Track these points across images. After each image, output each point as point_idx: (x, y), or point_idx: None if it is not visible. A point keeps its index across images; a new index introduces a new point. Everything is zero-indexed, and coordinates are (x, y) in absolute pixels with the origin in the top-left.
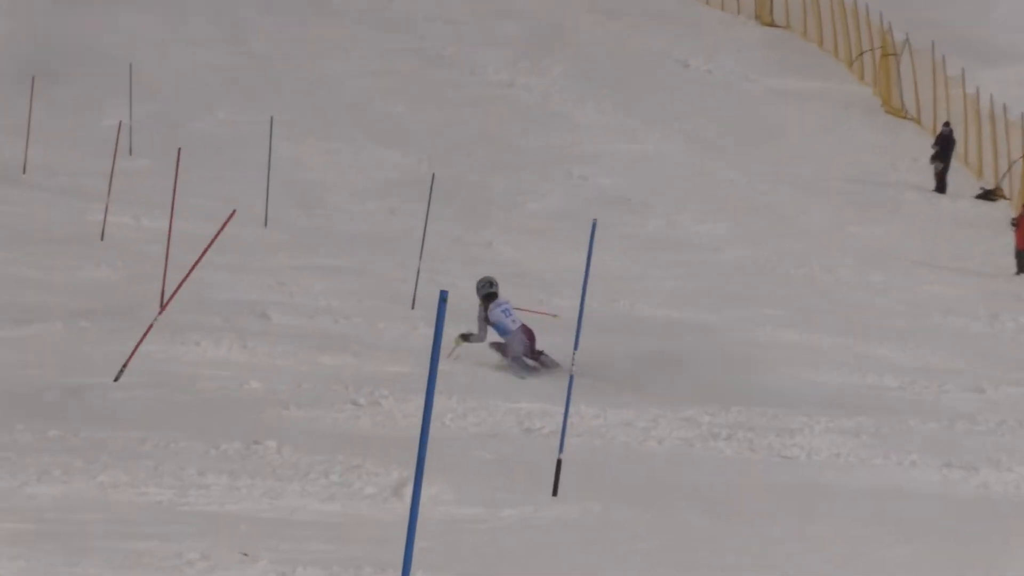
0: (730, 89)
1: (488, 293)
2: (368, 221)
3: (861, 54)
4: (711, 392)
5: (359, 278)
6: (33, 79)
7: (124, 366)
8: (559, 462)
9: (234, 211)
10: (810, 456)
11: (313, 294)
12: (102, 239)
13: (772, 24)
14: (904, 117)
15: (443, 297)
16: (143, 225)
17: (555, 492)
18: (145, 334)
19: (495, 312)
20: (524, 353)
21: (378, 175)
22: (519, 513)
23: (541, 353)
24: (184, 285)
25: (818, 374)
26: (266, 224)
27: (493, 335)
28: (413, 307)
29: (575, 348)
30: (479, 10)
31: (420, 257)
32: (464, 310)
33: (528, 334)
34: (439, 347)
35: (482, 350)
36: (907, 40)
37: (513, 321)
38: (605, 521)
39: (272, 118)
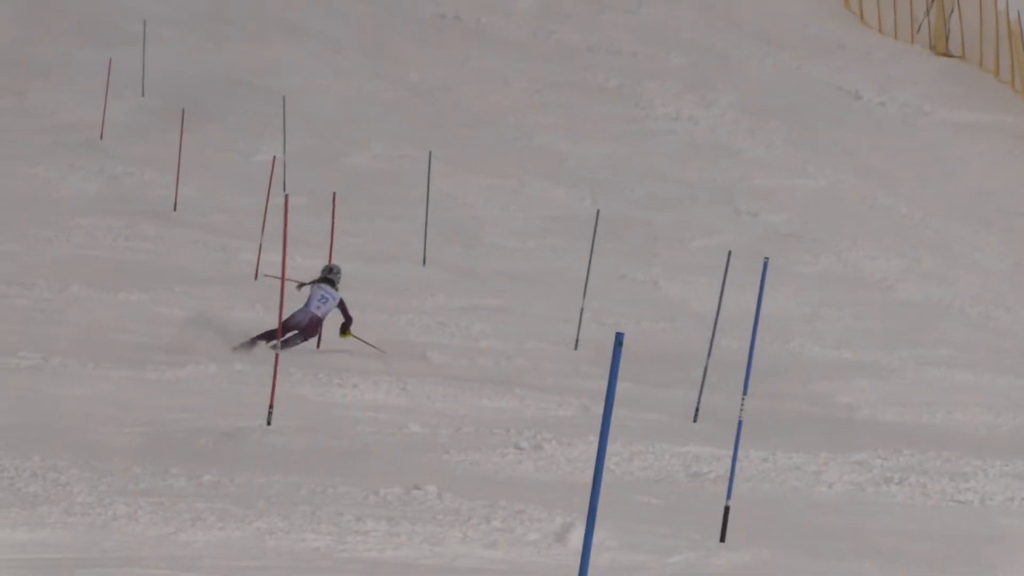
0: (904, 122)
1: (324, 278)
2: (529, 259)
3: None
4: (883, 435)
5: (520, 318)
6: (183, 113)
7: (271, 407)
8: (727, 508)
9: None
10: (984, 501)
11: (473, 335)
12: (256, 279)
13: (947, 54)
14: None
15: (619, 341)
16: (298, 264)
17: (723, 538)
18: (276, 370)
19: (316, 293)
20: (296, 327)
21: (539, 212)
22: (686, 560)
23: (289, 344)
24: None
25: (993, 416)
26: (424, 263)
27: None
28: (576, 348)
29: (744, 392)
30: (644, 40)
31: (583, 296)
32: (634, 352)
33: (315, 324)
34: (614, 389)
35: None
36: None
37: (317, 307)
38: (775, 568)
39: (430, 153)
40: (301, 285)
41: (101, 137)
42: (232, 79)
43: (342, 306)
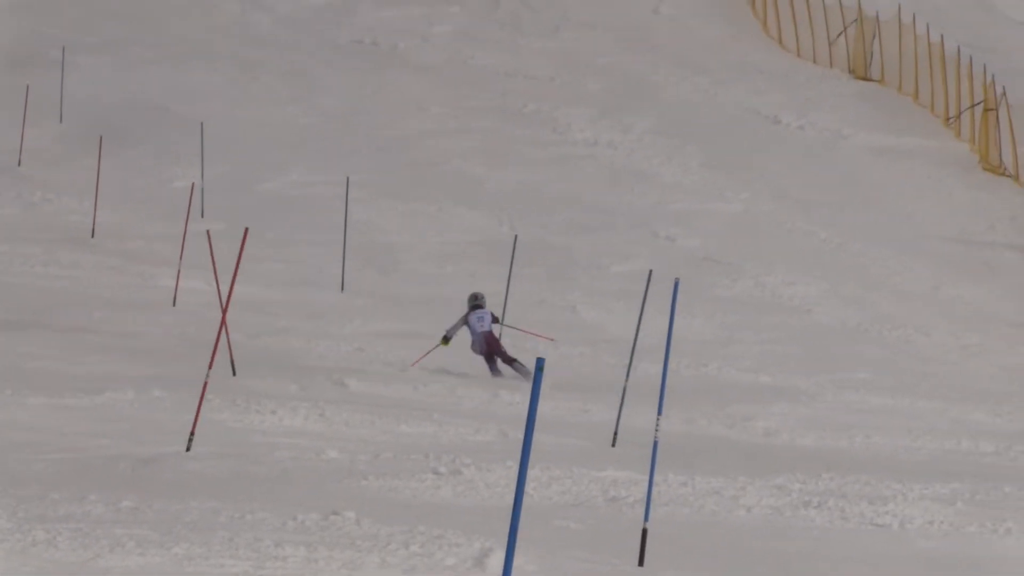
0: (822, 145)
1: (474, 305)
2: (448, 284)
3: (962, 111)
4: (802, 458)
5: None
6: (101, 139)
7: (192, 433)
8: (645, 531)
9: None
10: (903, 524)
11: (391, 360)
12: (174, 305)
13: (866, 78)
14: (1002, 174)
15: (539, 366)
16: (217, 290)
17: (641, 562)
18: (202, 398)
19: (472, 318)
20: (481, 353)
21: (457, 237)
22: None
23: (514, 360)
24: (260, 351)
25: (912, 439)
26: (342, 289)
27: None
28: (493, 374)
29: (659, 413)
30: (562, 65)
31: (502, 322)
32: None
33: (490, 339)
34: (534, 414)
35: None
36: (1004, 93)
37: (480, 326)
38: None
39: (348, 178)
40: (449, 336)
41: (19, 164)
42: (150, 105)
43: (494, 317)
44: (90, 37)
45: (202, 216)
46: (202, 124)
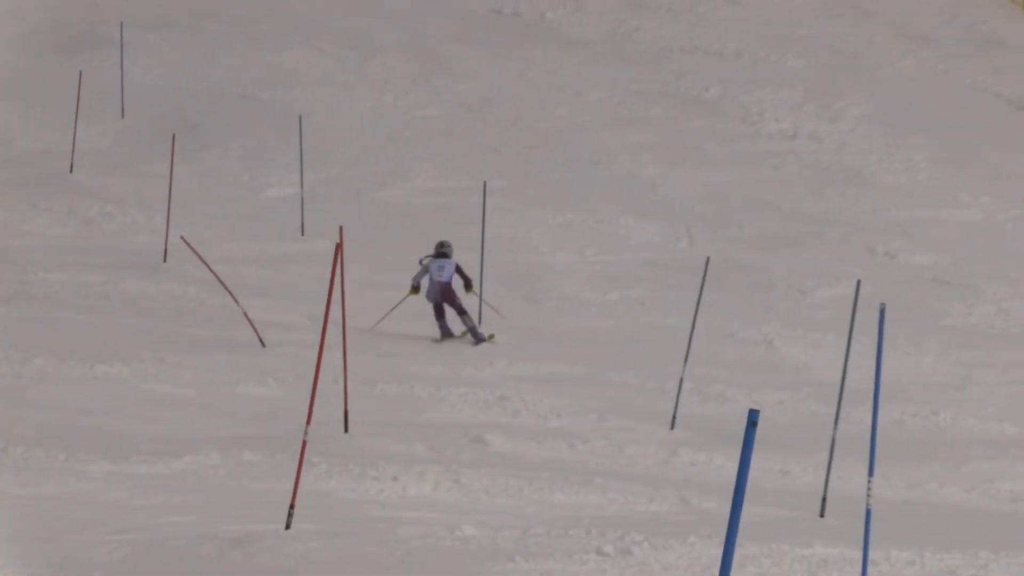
0: None
1: (439, 253)
2: (612, 315)
3: None
4: None
5: (601, 390)
6: (174, 138)
7: (292, 507)
8: None
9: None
10: None
11: (542, 412)
12: (264, 346)
13: None
14: None
15: (752, 420)
16: (316, 325)
17: None
18: (301, 461)
19: (432, 265)
20: (433, 302)
21: (624, 255)
22: None
23: (465, 313)
24: (377, 401)
25: None
26: (480, 322)
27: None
28: (673, 427)
29: (870, 474)
30: (752, 38)
31: (685, 362)
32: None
33: (445, 289)
34: (744, 483)
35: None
36: None
37: (438, 275)
38: None
39: (485, 184)
40: (416, 285)
41: (71, 170)
42: (235, 94)
43: (459, 269)
44: (157, 9)
45: (302, 234)
46: (301, 118)
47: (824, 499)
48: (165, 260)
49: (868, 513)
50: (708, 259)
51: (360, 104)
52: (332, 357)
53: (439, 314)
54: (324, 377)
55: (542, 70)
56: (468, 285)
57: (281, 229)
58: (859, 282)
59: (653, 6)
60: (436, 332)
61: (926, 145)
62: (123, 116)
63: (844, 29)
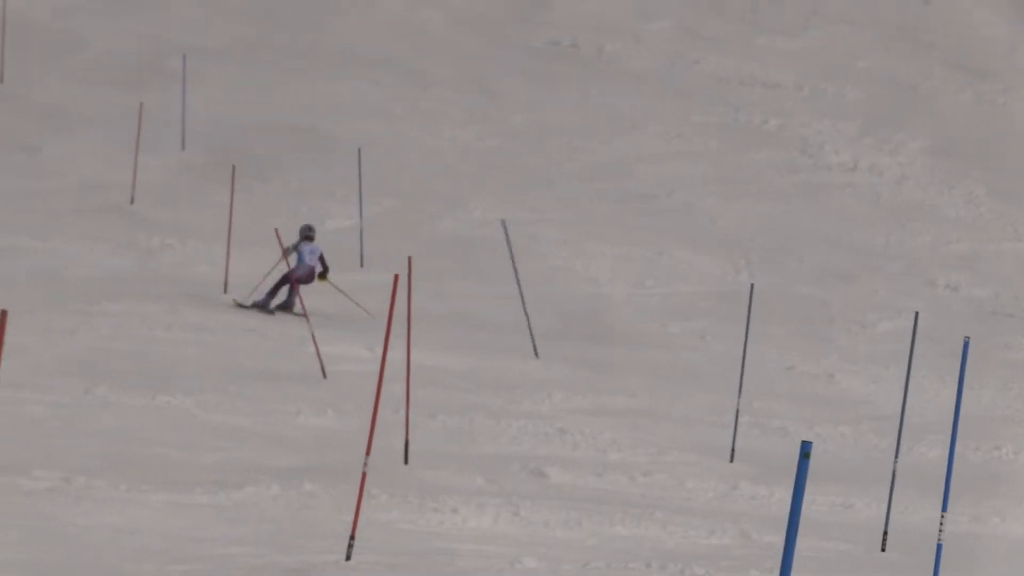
0: None
1: (306, 236)
2: (670, 348)
3: None
4: None
5: (660, 423)
6: (234, 170)
7: (352, 538)
8: None
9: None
10: None
11: (601, 444)
12: (325, 376)
13: None
14: None
15: (805, 451)
16: (376, 355)
17: None
18: (361, 492)
19: (304, 247)
20: (301, 281)
21: (683, 288)
22: None
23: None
24: (437, 433)
25: None
26: (537, 354)
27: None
28: (732, 460)
29: (943, 509)
30: (811, 70)
31: (739, 394)
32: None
33: (310, 275)
34: (798, 513)
35: None
36: None
37: (311, 259)
38: None
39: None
40: (287, 252)
41: (132, 201)
42: (293, 126)
43: (321, 257)
44: (217, 41)
45: (361, 265)
46: (360, 150)
47: (885, 533)
48: (225, 291)
49: (939, 548)
50: (752, 286)
51: (417, 136)
52: (392, 388)
53: (290, 299)
54: (384, 408)
55: (599, 102)
56: (324, 272)
57: (340, 260)
58: (917, 314)
59: (711, 39)
60: (265, 303)
61: (986, 178)
62: (183, 148)
63: (903, 61)
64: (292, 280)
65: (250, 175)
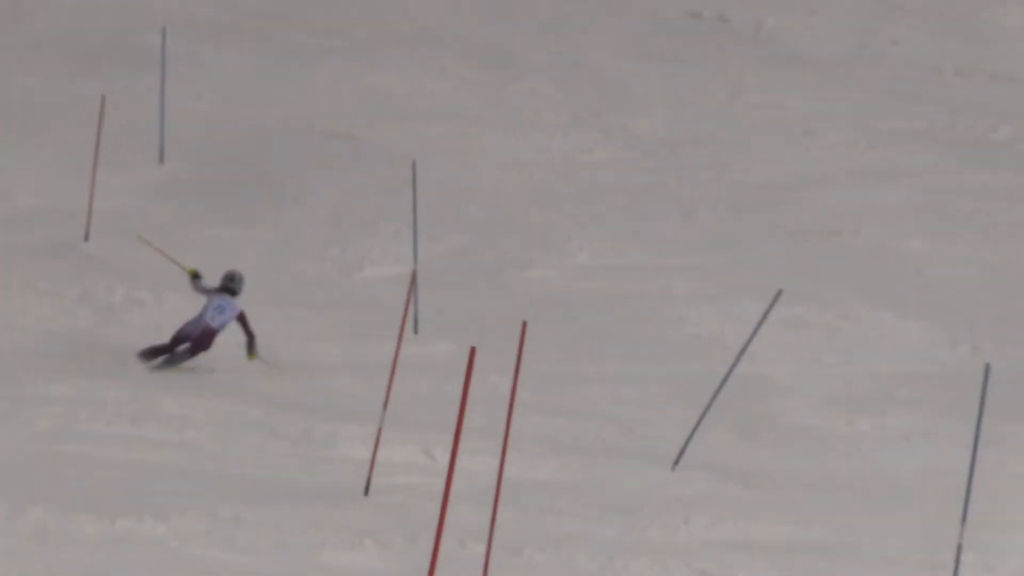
0: None
1: (224, 287)
2: (861, 453)
3: None
4: None
5: (848, 563)
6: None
7: None
8: None
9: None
10: None
11: None
12: (366, 494)
13: None
14: None
15: None
16: (438, 464)
17: None
18: None
19: (213, 300)
20: (188, 338)
21: (877, 367)
22: None
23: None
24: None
25: None
26: (676, 462)
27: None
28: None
29: None
30: None
31: (963, 523)
32: None
33: (207, 335)
34: None
35: None
36: None
37: (212, 317)
38: None
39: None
40: (198, 276)
41: (87, 237)
42: (320, 130)
43: (242, 320)
44: (211, 10)
45: (415, 331)
46: (414, 164)
47: None
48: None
49: None
50: (987, 366)
51: (497, 146)
52: (458, 511)
53: (170, 347)
54: (448, 539)
55: (758, 100)
56: (251, 345)
57: (386, 324)
58: None
59: (916, 11)
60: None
61: None
62: (161, 161)
63: None
64: (184, 342)
65: (258, 200)
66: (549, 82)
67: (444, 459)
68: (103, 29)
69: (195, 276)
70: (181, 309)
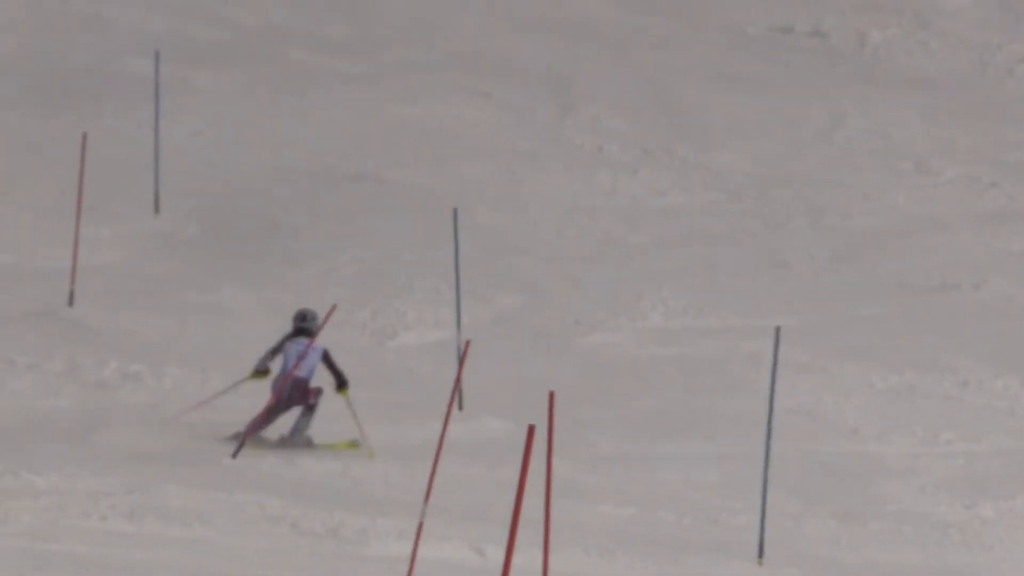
0: None
1: (298, 328)
2: (986, 546)
3: None
4: None
5: None
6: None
7: None
8: None
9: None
10: None
11: None
12: None
13: None
14: None
15: None
16: (489, 562)
17: None
18: None
19: (289, 346)
20: (277, 396)
21: (1005, 444)
22: None
23: (311, 412)
24: None
25: None
26: (760, 554)
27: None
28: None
29: None
30: None
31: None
32: None
33: (298, 387)
34: None
35: None
36: None
37: (299, 368)
38: None
39: (778, 329)
40: (260, 368)
41: (71, 302)
42: (340, 172)
43: (327, 360)
44: (211, 32)
45: (459, 408)
46: (456, 212)
47: None
48: (235, 456)
49: None
50: None
51: (553, 189)
52: None
53: (273, 413)
54: None
55: (860, 127)
56: (341, 383)
57: (425, 401)
58: None
59: None
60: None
61: None
62: (157, 210)
63: None
64: (277, 401)
65: (269, 255)
66: (614, 111)
67: (497, 557)
68: (80, 54)
69: (264, 374)
70: (187, 383)
